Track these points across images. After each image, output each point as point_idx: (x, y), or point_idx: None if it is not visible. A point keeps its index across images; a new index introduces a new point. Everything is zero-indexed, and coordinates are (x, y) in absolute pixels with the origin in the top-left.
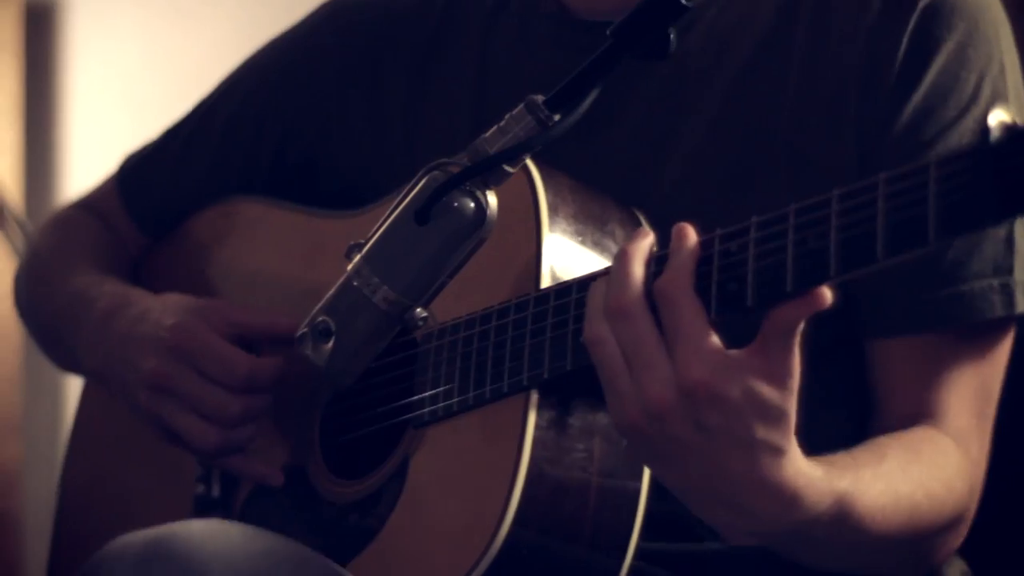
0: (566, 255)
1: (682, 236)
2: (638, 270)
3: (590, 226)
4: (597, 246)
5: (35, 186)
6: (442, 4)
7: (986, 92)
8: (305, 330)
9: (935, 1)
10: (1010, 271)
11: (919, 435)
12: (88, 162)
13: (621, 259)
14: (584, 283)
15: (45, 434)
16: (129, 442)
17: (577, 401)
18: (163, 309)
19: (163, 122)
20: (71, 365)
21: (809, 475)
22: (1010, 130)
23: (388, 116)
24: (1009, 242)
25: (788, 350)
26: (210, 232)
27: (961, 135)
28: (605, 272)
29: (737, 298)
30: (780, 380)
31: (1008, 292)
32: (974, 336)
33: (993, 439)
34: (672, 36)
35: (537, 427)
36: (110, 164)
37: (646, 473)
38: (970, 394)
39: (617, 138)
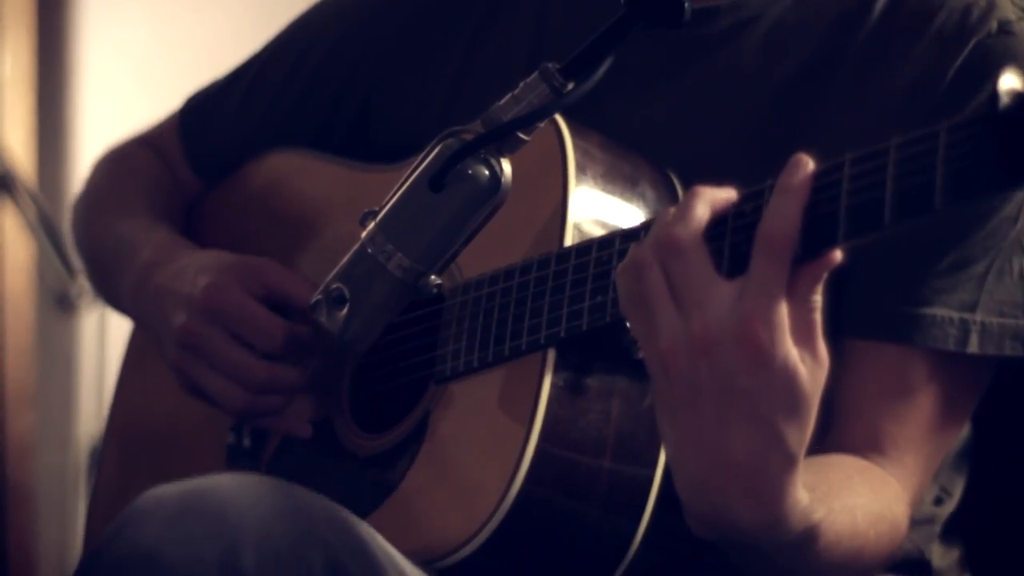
0: (592, 213)
1: (797, 167)
2: (704, 209)
3: (619, 185)
4: (625, 206)
5: (47, 161)
6: None
7: None
8: (319, 297)
9: (990, 39)
10: (973, 310)
11: (882, 477)
12: (100, 138)
13: (691, 196)
14: (605, 241)
15: (59, 407)
16: (170, 386)
17: (596, 362)
18: (200, 267)
19: (175, 97)
20: (116, 305)
21: (800, 503)
22: (1018, 97)
23: (442, 76)
24: (982, 282)
25: (812, 321)
26: (258, 182)
27: None
28: (629, 230)
29: (747, 258)
30: (813, 359)
31: (965, 330)
32: (936, 373)
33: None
34: (687, 4)
35: (553, 386)
36: (123, 139)
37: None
38: (922, 435)
39: (662, 111)
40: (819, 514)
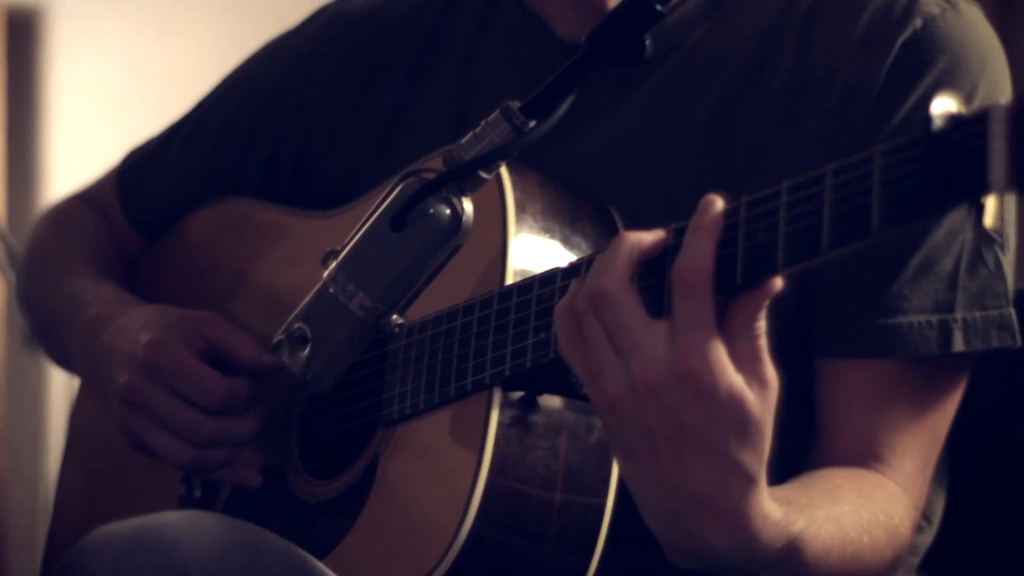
0: (533, 252)
1: (706, 211)
2: (630, 254)
3: (559, 223)
4: (566, 243)
5: (16, 198)
6: (433, 17)
7: None
8: (281, 337)
9: (916, 36)
10: (951, 309)
11: (871, 480)
12: (70, 170)
13: (616, 243)
14: (546, 279)
15: (28, 444)
16: (119, 441)
17: (542, 399)
18: (143, 323)
19: (145, 130)
20: (65, 364)
21: (770, 517)
22: (953, 119)
23: (374, 124)
24: (953, 279)
25: (761, 360)
26: (201, 233)
27: None
28: (569, 267)
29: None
30: (760, 384)
31: (946, 330)
32: (921, 375)
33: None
34: (647, 43)
35: (500, 425)
36: (92, 172)
37: (614, 471)
38: (917, 438)
39: (598, 145)
40: (798, 525)
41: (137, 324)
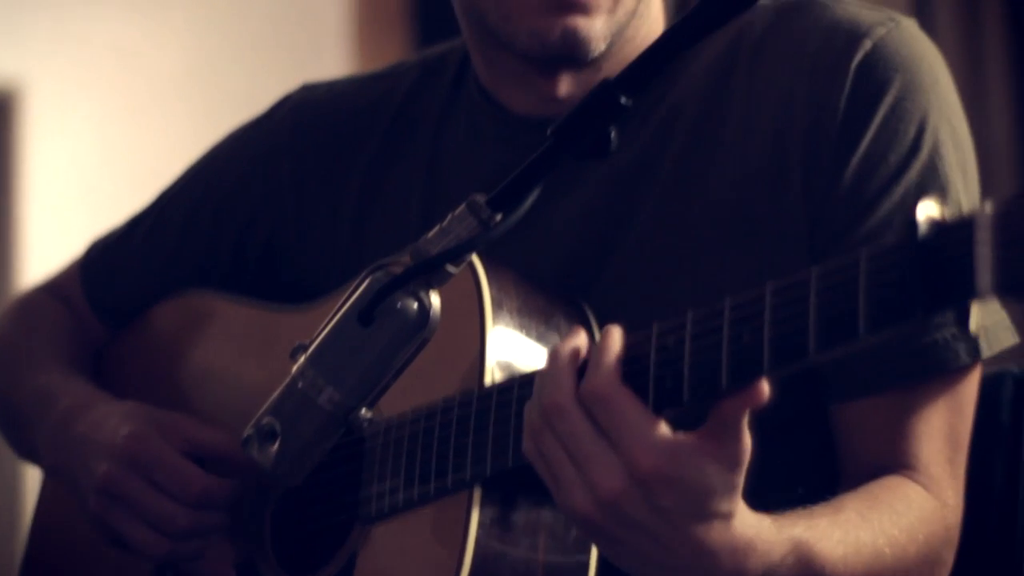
0: (511, 350)
1: (607, 336)
2: (568, 369)
3: (535, 320)
4: (542, 340)
5: None
6: (397, 103)
7: (927, 142)
8: (251, 432)
9: (868, 58)
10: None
11: (877, 484)
12: (44, 254)
13: (551, 359)
14: (525, 381)
15: (4, 526)
16: (87, 536)
17: (521, 497)
18: (122, 417)
19: (119, 214)
20: (31, 457)
21: (758, 525)
22: (937, 225)
23: (342, 212)
24: None
25: (736, 437)
26: (167, 325)
27: (906, 188)
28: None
29: (674, 394)
30: (731, 462)
31: (970, 339)
32: (939, 385)
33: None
34: (613, 135)
35: (480, 524)
36: (66, 256)
37: (593, 563)
38: (940, 442)
39: (564, 230)
40: (797, 529)
41: (115, 417)
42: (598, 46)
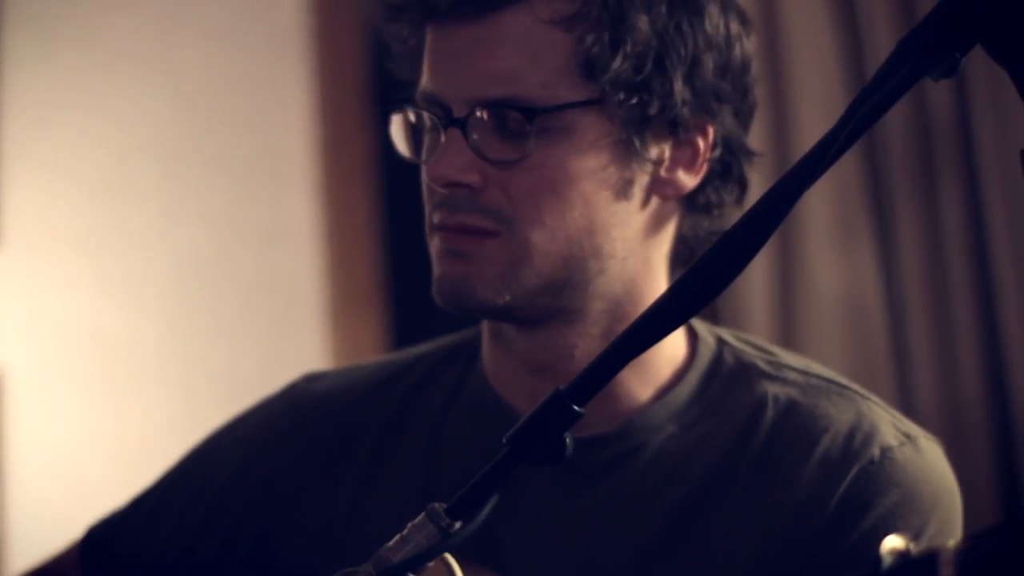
0: None
1: None
2: None
3: None
4: None
5: None
6: (397, 398)
7: None
8: None
9: (872, 466)
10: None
11: None
12: (27, 540)
13: None
14: None
15: None
16: None
17: None
18: None
19: (100, 493)
20: None
21: None
22: (902, 558)
23: (338, 510)
24: None
25: None
26: None
27: None
28: None
29: None
30: None
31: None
32: None
33: None
34: (568, 441)
35: None
36: (49, 542)
37: None
38: None
39: (558, 541)
40: None
41: None
42: (489, 295)
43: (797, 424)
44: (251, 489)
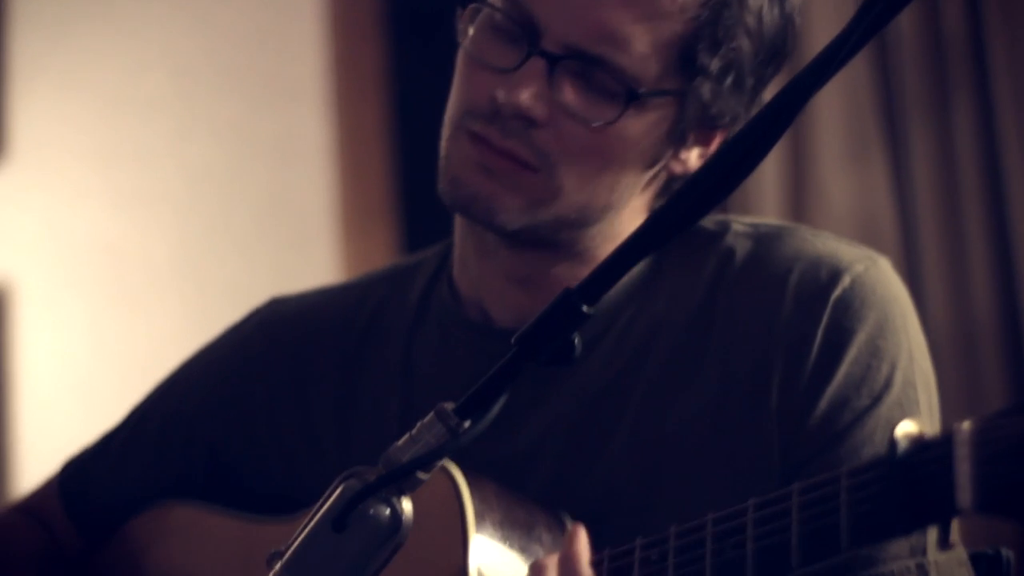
0: (493, 562)
1: (572, 536)
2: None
3: (516, 532)
4: (524, 552)
5: None
6: (367, 314)
7: (898, 380)
8: None
9: (845, 295)
10: (924, 552)
11: None
12: (38, 450)
13: (533, 571)
14: None
15: None
16: None
17: None
18: None
19: (111, 406)
20: None
21: None
22: (916, 442)
23: (317, 424)
24: None
25: None
26: (146, 537)
27: (875, 423)
28: None
29: None
30: None
31: (923, 572)
32: None
33: None
34: (576, 342)
35: None
36: (60, 452)
37: None
38: None
39: (535, 436)
40: None
41: None
42: (508, 219)
43: (761, 269)
44: (226, 409)
